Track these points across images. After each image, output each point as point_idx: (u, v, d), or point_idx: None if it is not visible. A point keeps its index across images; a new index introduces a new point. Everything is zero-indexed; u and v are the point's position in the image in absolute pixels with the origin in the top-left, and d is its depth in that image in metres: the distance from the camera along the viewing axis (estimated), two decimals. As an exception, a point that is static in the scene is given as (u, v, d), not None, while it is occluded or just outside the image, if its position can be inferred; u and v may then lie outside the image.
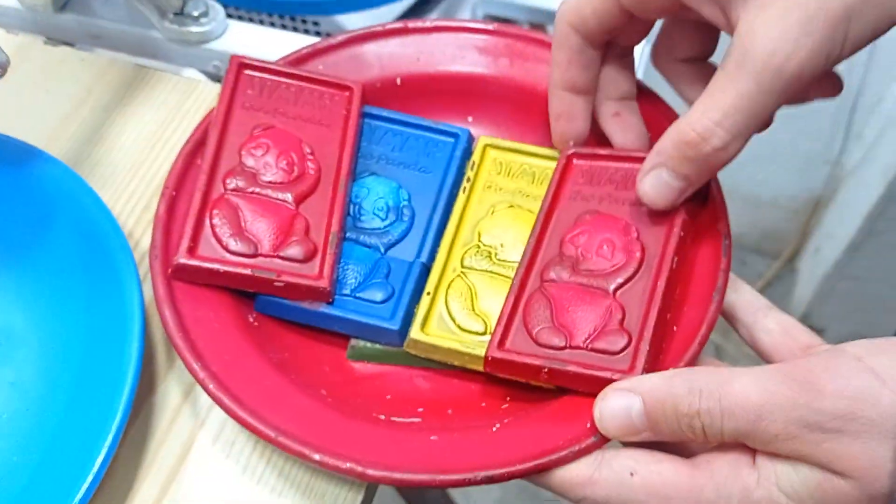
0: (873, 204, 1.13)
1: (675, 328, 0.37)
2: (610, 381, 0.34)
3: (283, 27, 0.65)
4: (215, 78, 0.53)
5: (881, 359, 0.28)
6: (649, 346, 0.35)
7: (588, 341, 0.36)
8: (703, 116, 0.33)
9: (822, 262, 1.29)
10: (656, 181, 0.36)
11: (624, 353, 0.35)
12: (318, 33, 0.64)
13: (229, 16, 0.53)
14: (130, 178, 0.46)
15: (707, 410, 0.30)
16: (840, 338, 1.13)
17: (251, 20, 0.64)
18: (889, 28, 0.33)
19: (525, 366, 0.36)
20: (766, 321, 0.37)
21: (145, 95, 0.49)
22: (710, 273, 0.38)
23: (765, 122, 0.34)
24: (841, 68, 1.14)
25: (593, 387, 0.35)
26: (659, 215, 0.38)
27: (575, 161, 0.41)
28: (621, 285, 0.37)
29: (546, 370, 0.36)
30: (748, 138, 0.34)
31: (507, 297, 0.38)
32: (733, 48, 0.33)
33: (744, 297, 0.37)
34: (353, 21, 0.64)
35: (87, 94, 0.49)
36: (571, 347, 0.36)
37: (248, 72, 0.44)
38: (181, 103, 0.49)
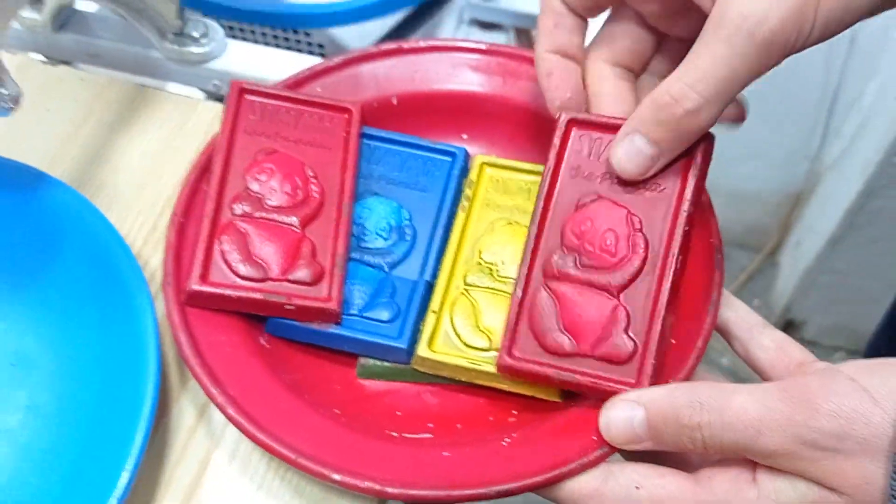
0: (853, 199, 1.15)
1: (672, 341, 0.38)
2: (617, 392, 0.36)
3: (277, 43, 0.66)
4: (215, 96, 0.53)
5: (873, 380, 0.30)
6: (654, 357, 0.36)
7: (595, 347, 0.37)
8: (677, 81, 0.34)
9: (804, 255, 1.32)
10: (629, 147, 0.36)
11: (630, 362, 0.37)
12: (309, 44, 0.65)
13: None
14: (136, 199, 0.47)
15: (708, 423, 0.32)
16: (821, 329, 1.14)
17: (245, 31, 0.65)
18: (860, 13, 0.34)
19: (535, 374, 0.37)
20: (762, 338, 0.38)
21: (146, 114, 0.50)
22: (705, 286, 0.39)
23: (738, 91, 0.34)
24: (820, 64, 1.15)
25: (601, 396, 0.36)
26: (662, 205, 0.38)
27: (574, 130, 0.40)
28: (625, 286, 0.38)
29: (556, 381, 0.37)
30: (722, 106, 0.35)
31: (512, 297, 0.39)
32: (711, 15, 0.34)
33: (739, 315, 0.39)
34: (348, 34, 0.65)
35: (88, 114, 0.50)
36: (579, 355, 0.37)
37: (248, 97, 0.44)
38: (183, 122, 0.50)
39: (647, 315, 0.37)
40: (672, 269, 0.37)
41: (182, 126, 0.49)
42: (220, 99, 0.53)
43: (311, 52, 0.68)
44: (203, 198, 0.42)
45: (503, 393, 0.39)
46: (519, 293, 0.38)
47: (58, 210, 0.42)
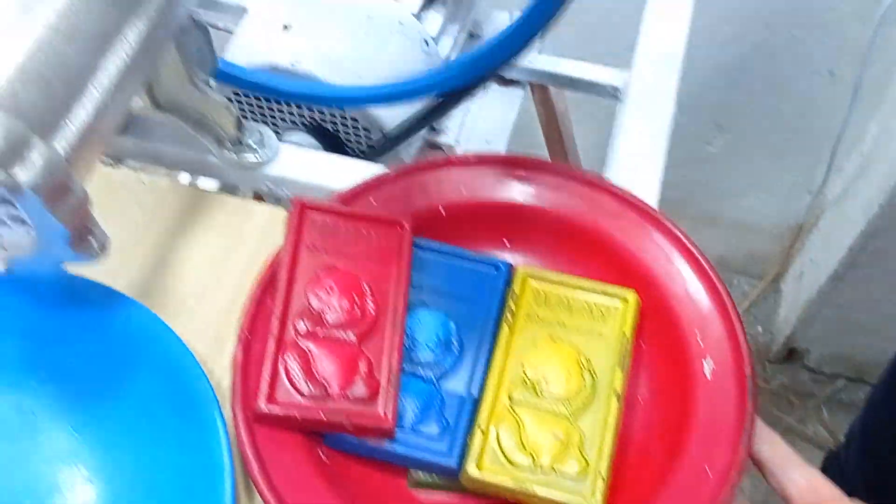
0: (855, 238, 1.18)
1: (707, 468, 0.41)
2: None
3: (312, 116, 0.69)
4: (269, 197, 0.56)
5: None
6: None
7: None
8: None
9: (806, 288, 1.35)
10: None
11: None
12: (343, 118, 0.68)
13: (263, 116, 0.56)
14: (198, 305, 0.50)
15: None
16: (822, 358, 1.18)
17: (280, 102, 0.67)
18: None
19: None
20: (794, 474, 0.41)
21: (206, 219, 0.53)
22: (738, 416, 0.42)
23: None
24: (826, 103, 1.18)
25: None
26: None
27: None
28: None
29: None
30: None
31: None
32: None
33: (775, 450, 0.42)
34: (381, 109, 0.67)
35: (151, 220, 0.53)
36: None
37: (310, 213, 0.47)
38: (241, 226, 0.52)
39: None
40: None
41: (240, 231, 0.52)
42: (271, 197, 0.56)
43: (344, 125, 0.70)
44: (267, 313, 0.45)
45: (544, 511, 0.43)
46: None
47: (131, 327, 0.45)
